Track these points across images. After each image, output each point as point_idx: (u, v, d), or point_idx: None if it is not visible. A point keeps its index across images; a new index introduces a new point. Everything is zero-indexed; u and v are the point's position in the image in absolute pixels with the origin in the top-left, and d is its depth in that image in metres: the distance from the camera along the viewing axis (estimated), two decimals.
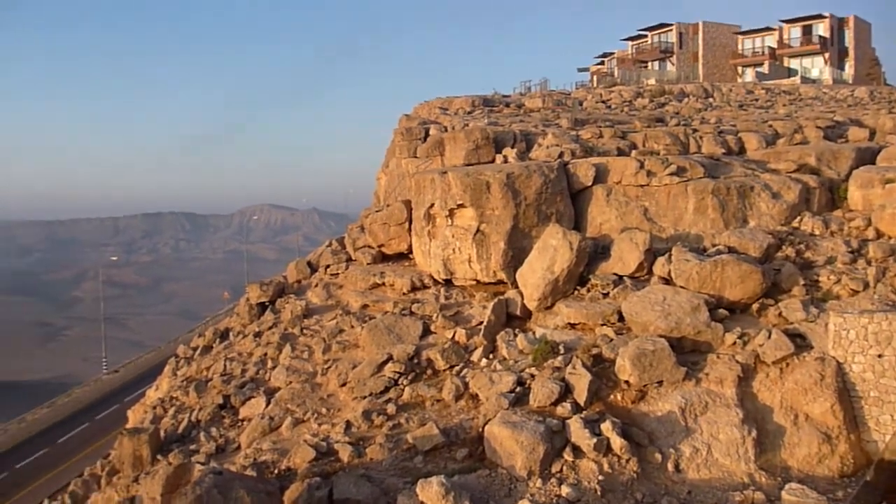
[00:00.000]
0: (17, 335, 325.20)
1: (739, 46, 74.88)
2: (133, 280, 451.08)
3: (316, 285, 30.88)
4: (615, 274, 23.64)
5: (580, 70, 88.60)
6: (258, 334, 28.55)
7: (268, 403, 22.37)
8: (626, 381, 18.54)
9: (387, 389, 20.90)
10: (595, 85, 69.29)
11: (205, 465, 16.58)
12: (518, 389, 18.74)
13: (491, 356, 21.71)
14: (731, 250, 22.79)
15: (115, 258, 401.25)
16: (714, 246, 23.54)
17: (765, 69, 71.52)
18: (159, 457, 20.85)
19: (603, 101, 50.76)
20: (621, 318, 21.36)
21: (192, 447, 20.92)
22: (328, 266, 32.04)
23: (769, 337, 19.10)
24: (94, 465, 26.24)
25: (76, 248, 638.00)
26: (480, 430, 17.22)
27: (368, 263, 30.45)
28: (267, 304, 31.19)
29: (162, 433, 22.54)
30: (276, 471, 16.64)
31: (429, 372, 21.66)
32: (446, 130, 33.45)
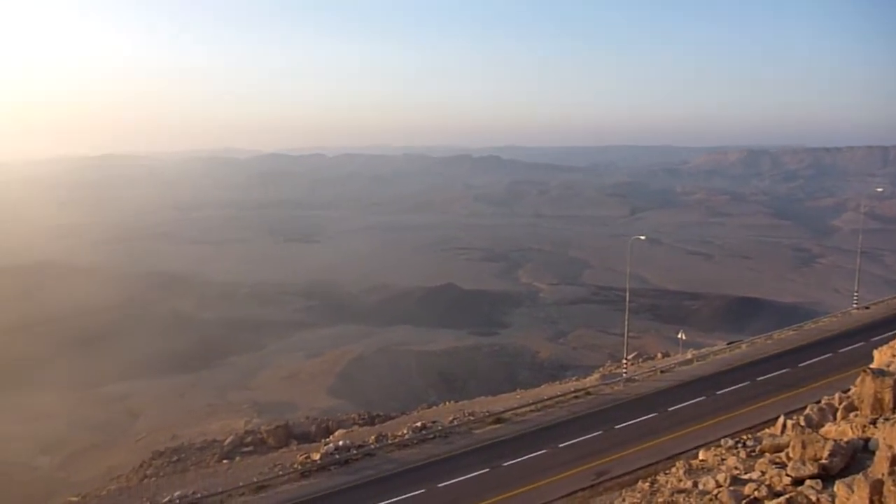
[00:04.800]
0: (774, 257, 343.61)
1: None
2: None
3: None
4: None
5: None
6: None
7: None
8: None
9: None
10: None
11: None
12: None
13: None
14: None
15: (880, 189, 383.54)
16: None
17: None
18: None
19: None
20: None
21: None
22: None
23: None
24: (831, 396, 26.10)
25: (839, 176, 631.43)
26: None
27: None
28: None
29: None
30: None
31: None
32: None
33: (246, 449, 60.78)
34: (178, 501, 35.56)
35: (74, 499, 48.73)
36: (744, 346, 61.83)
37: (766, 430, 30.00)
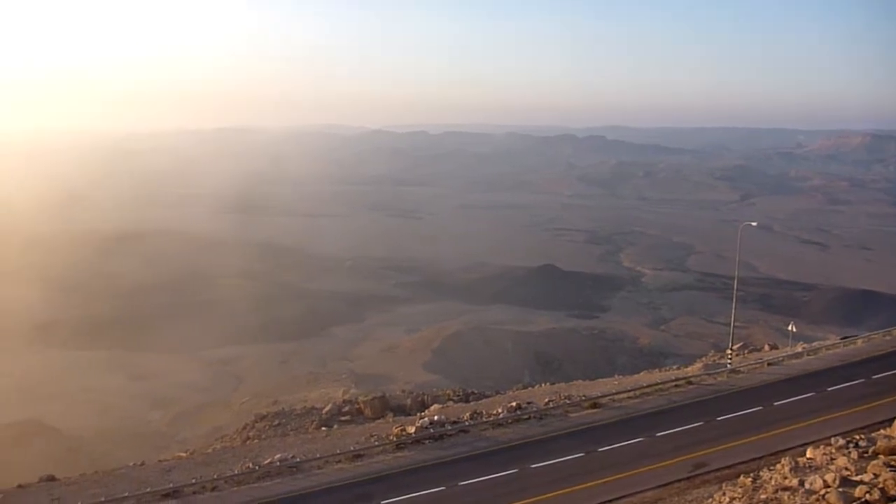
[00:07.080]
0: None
1: None
2: None
3: None
4: None
5: None
6: None
7: None
8: None
9: None
10: None
11: None
12: None
13: None
14: None
15: None
16: None
17: None
18: None
19: None
20: None
21: None
22: None
23: None
24: None
25: None
26: None
27: None
28: None
29: None
30: None
31: None
32: None
33: (343, 418, 62.30)
34: (278, 464, 36.72)
35: (183, 454, 51.22)
36: (859, 341, 58.76)
37: (882, 431, 28.40)
